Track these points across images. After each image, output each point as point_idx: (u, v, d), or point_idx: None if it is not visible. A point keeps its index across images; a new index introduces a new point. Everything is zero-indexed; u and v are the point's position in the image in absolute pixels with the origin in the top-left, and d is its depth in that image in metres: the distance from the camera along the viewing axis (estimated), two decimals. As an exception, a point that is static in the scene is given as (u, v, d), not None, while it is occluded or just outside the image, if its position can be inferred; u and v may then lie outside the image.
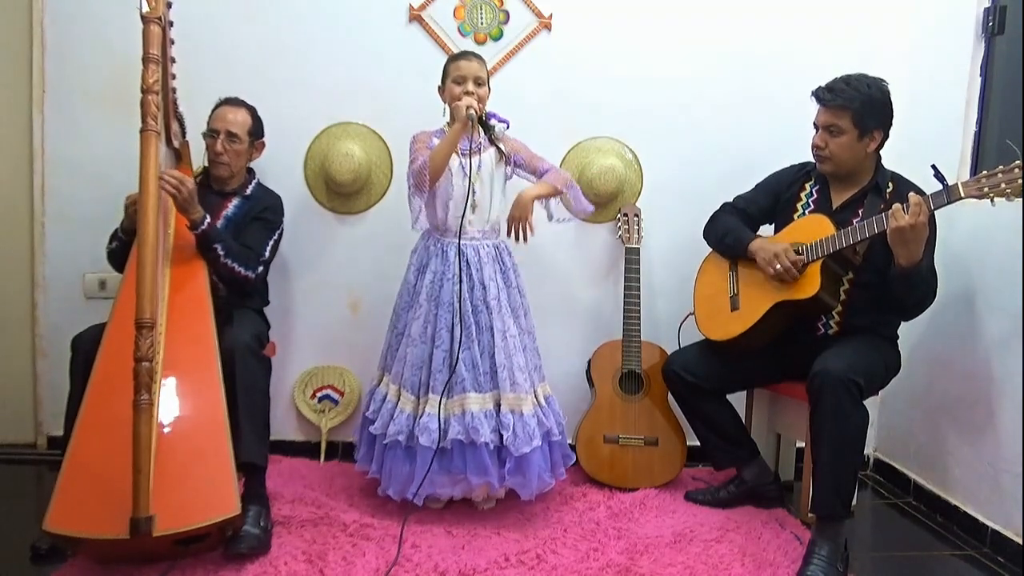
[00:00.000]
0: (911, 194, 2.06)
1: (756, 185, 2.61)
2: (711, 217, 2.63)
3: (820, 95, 2.31)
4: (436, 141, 2.35)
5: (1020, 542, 2.20)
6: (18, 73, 2.76)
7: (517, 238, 2.38)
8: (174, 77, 2.30)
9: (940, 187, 2.07)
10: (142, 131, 1.84)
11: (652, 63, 2.89)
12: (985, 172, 2.02)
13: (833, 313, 2.34)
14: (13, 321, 2.85)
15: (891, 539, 2.45)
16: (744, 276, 2.47)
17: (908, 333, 2.49)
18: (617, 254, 2.92)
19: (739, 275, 2.49)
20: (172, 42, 2.21)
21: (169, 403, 1.98)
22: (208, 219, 2.24)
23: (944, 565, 2.27)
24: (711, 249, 2.62)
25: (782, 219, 2.49)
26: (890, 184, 2.33)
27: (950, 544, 2.37)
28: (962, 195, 2.02)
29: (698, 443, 2.61)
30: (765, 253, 2.35)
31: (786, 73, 2.83)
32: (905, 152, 2.56)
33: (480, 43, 2.85)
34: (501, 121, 2.42)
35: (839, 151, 2.30)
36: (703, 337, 2.53)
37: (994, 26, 2.55)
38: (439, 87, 2.43)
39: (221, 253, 2.26)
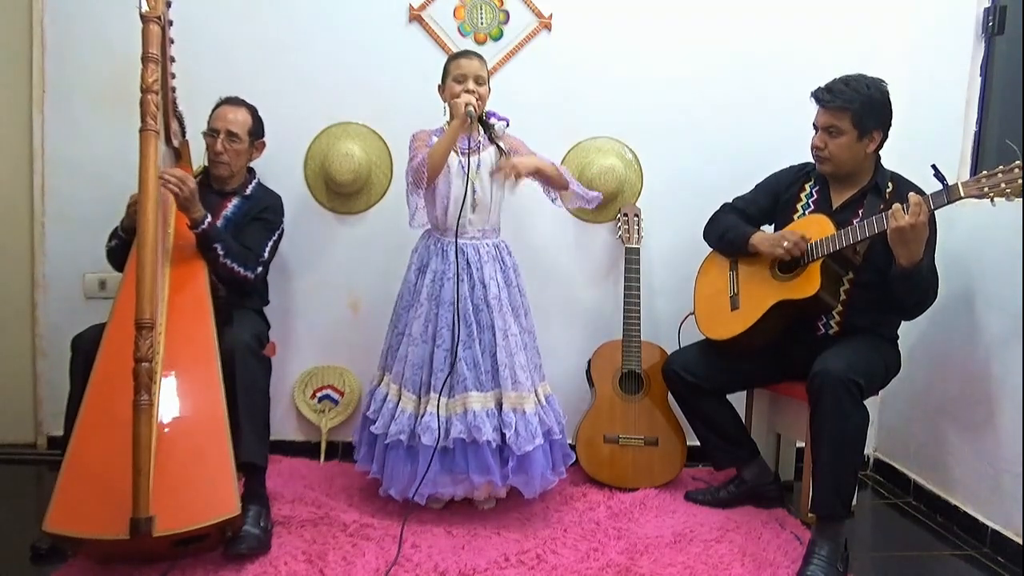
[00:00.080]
0: (911, 194, 2.06)
1: (756, 186, 2.61)
2: (711, 218, 2.63)
3: (819, 96, 2.31)
4: (436, 139, 2.35)
5: (1020, 542, 2.20)
6: (18, 73, 2.76)
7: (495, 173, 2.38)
8: (173, 76, 2.30)
9: (940, 187, 2.07)
10: (141, 131, 1.84)
11: (652, 63, 2.89)
12: (985, 172, 2.02)
13: (833, 313, 2.34)
14: (13, 321, 2.86)
15: (891, 539, 2.45)
16: (744, 276, 2.47)
17: (908, 333, 2.49)
18: (617, 254, 2.92)
19: (739, 275, 2.49)
20: (172, 41, 2.21)
21: (169, 403, 1.98)
22: (209, 218, 2.24)
23: (944, 565, 2.27)
24: (711, 249, 2.62)
25: (782, 219, 2.49)
26: (890, 184, 2.33)
27: (950, 544, 2.37)
28: (962, 195, 2.02)
29: (698, 443, 2.61)
30: (769, 240, 2.36)
31: (786, 73, 2.84)
32: (905, 152, 2.56)
33: (480, 43, 2.85)
34: (501, 119, 2.42)
35: (839, 152, 2.30)
36: (703, 337, 2.53)
37: (994, 26, 2.55)
38: (439, 86, 2.43)
39: (221, 253, 2.26)
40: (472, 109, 2.26)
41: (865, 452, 2.83)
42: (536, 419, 2.33)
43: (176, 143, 2.43)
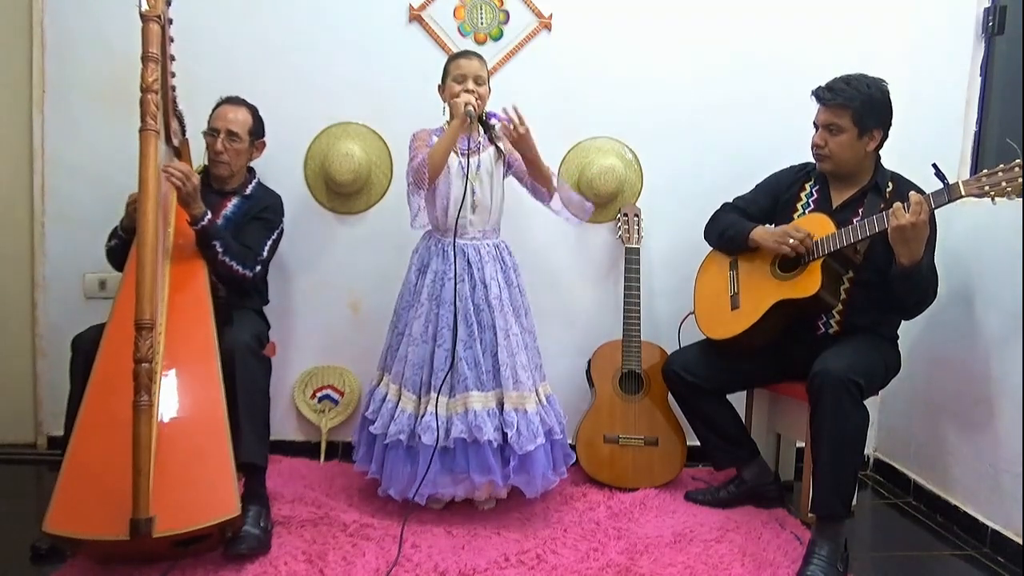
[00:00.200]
0: (912, 193, 2.06)
1: (756, 186, 2.61)
2: (711, 217, 2.63)
3: (820, 94, 2.31)
4: (436, 139, 2.35)
5: (1020, 542, 2.20)
6: (18, 73, 2.76)
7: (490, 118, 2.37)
8: (173, 75, 2.30)
9: (940, 186, 2.07)
10: (141, 130, 1.84)
11: (652, 63, 2.89)
12: (985, 171, 2.02)
13: (833, 312, 2.34)
14: (13, 321, 2.86)
15: (891, 539, 2.45)
16: (744, 275, 2.47)
17: (908, 333, 2.49)
18: (617, 254, 2.92)
19: (739, 274, 2.49)
20: (171, 40, 2.21)
21: (169, 404, 1.98)
22: (209, 215, 2.24)
23: (944, 565, 2.27)
24: (712, 249, 2.62)
25: (782, 219, 2.49)
26: (890, 184, 2.33)
27: (950, 544, 2.37)
28: (963, 194, 2.02)
29: (698, 443, 2.61)
30: (773, 235, 2.36)
31: (786, 73, 2.83)
32: (905, 152, 2.56)
33: (480, 43, 2.85)
34: (501, 120, 2.42)
35: (839, 150, 2.30)
36: (703, 337, 2.53)
37: (994, 26, 2.55)
38: (439, 86, 2.43)
39: (220, 251, 2.26)
40: (472, 109, 2.26)
41: (865, 452, 2.83)
42: (537, 418, 2.33)
43: (176, 142, 2.43)
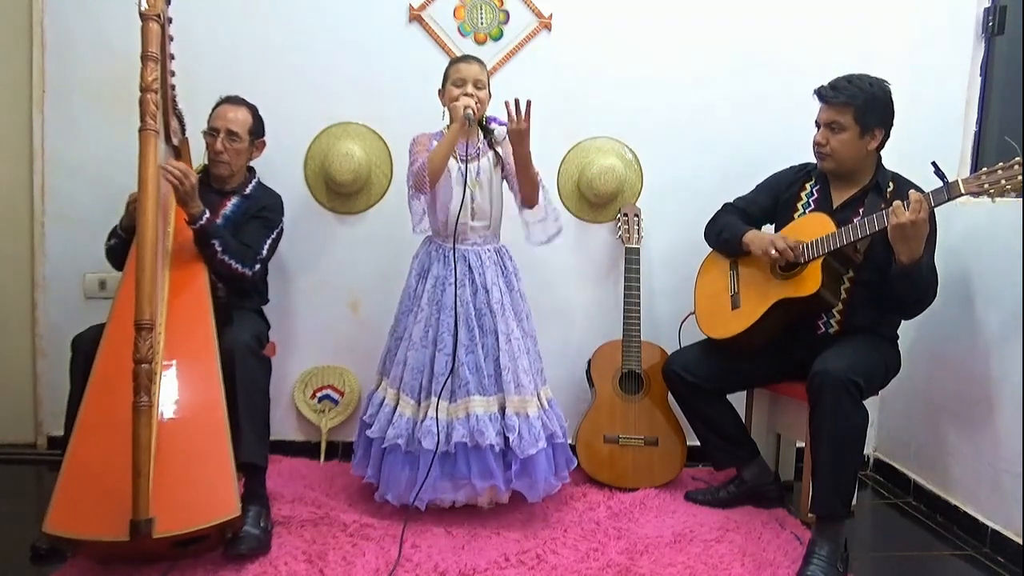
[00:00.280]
0: (911, 191, 2.06)
1: (756, 186, 2.61)
2: (711, 218, 2.63)
3: (823, 92, 2.31)
4: (436, 144, 2.34)
5: (1020, 542, 2.19)
6: (18, 73, 2.76)
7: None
8: (173, 74, 2.30)
9: (940, 184, 2.07)
10: (141, 130, 1.84)
11: (652, 63, 2.89)
12: (985, 169, 2.02)
13: (834, 312, 2.34)
14: (13, 321, 2.85)
15: (891, 539, 2.45)
16: (745, 275, 2.47)
17: (907, 332, 2.49)
18: (617, 254, 2.92)
19: (740, 274, 2.49)
20: (171, 39, 2.21)
21: (168, 404, 1.97)
22: (207, 214, 2.24)
23: (944, 565, 2.27)
24: (712, 249, 2.62)
25: (782, 219, 2.49)
26: (890, 184, 2.33)
27: (950, 544, 2.37)
28: (962, 192, 2.02)
29: (698, 443, 2.61)
30: (761, 241, 2.36)
31: (786, 73, 2.84)
32: (905, 152, 2.56)
33: (480, 43, 2.85)
34: (501, 124, 2.40)
35: (840, 148, 2.30)
36: (703, 337, 2.53)
37: (994, 26, 2.55)
38: (439, 90, 2.42)
39: (219, 249, 2.26)
40: (471, 112, 2.25)
41: (865, 452, 2.84)
42: (539, 423, 2.33)
43: (176, 141, 2.43)
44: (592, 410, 2.72)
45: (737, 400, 2.64)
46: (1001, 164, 1.99)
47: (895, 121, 2.32)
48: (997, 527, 2.29)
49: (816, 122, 2.36)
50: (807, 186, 2.48)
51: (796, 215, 2.45)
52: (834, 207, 2.38)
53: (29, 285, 2.84)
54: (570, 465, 2.45)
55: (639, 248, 2.78)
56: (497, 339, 2.33)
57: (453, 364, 2.28)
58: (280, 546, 2.11)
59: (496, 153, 2.40)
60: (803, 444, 2.50)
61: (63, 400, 2.17)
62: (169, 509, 1.79)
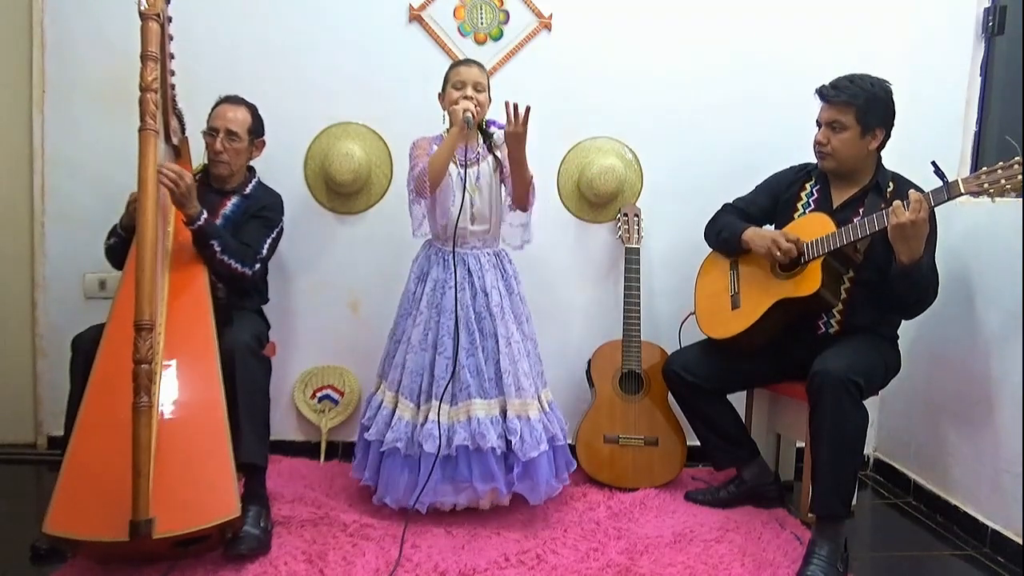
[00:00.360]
0: (911, 191, 2.06)
1: (756, 186, 2.61)
2: (711, 218, 2.63)
3: (824, 92, 2.32)
4: (436, 148, 2.33)
5: (1020, 542, 2.20)
6: (18, 73, 2.76)
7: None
8: (173, 73, 2.30)
9: (940, 184, 2.07)
10: (141, 130, 1.84)
11: (652, 63, 2.89)
12: (985, 168, 2.02)
13: (834, 312, 2.34)
14: (13, 321, 2.85)
15: (891, 539, 2.45)
16: (745, 274, 2.47)
17: (907, 332, 2.49)
18: (617, 254, 2.92)
19: (740, 273, 2.49)
20: (171, 38, 2.21)
21: (168, 405, 1.97)
22: (205, 214, 2.23)
23: (944, 565, 2.27)
24: (712, 249, 2.62)
25: (782, 219, 2.49)
26: (891, 184, 2.33)
27: (950, 544, 2.37)
28: (962, 191, 2.02)
29: (698, 443, 2.61)
30: (761, 240, 2.36)
31: (786, 73, 2.84)
32: (906, 152, 2.56)
33: (480, 43, 2.85)
34: (500, 127, 2.39)
35: (841, 148, 2.30)
36: (703, 337, 2.53)
37: (994, 26, 2.55)
38: (439, 94, 2.42)
39: (218, 250, 2.25)
40: (470, 115, 2.25)
41: (865, 452, 2.84)
42: (540, 425, 2.33)
43: (176, 140, 2.43)
44: (592, 410, 2.72)
45: (737, 400, 2.64)
46: (1001, 164, 1.99)
47: (895, 121, 2.32)
48: (997, 527, 2.29)
49: (817, 121, 2.36)
50: (807, 186, 2.48)
51: (796, 215, 2.45)
52: (834, 207, 2.38)
53: (29, 285, 2.84)
54: (570, 467, 2.45)
55: (639, 248, 2.78)
56: (497, 342, 2.33)
57: (454, 368, 2.28)
58: (280, 546, 2.11)
59: (495, 157, 2.40)
60: (803, 444, 2.50)
61: (63, 400, 2.17)
62: (169, 509, 1.79)
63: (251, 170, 2.57)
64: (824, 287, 2.24)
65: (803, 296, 2.27)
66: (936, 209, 2.12)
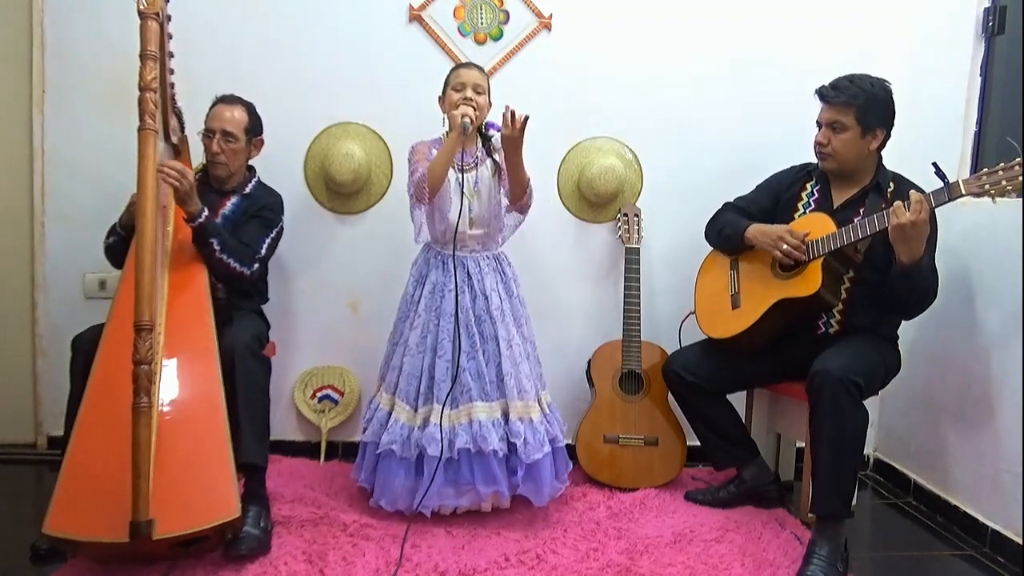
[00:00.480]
0: (912, 191, 2.06)
1: (757, 186, 2.61)
2: (711, 217, 2.63)
3: (824, 92, 2.32)
4: (435, 152, 2.33)
5: (1020, 542, 2.20)
6: (18, 73, 2.76)
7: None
8: (172, 72, 2.30)
9: (941, 185, 2.07)
10: (140, 129, 1.84)
11: (652, 63, 2.89)
12: (986, 169, 2.02)
13: (834, 312, 2.34)
14: (13, 321, 2.85)
15: (891, 539, 2.45)
16: (745, 274, 2.47)
17: (908, 332, 2.49)
18: (617, 254, 2.92)
19: (740, 273, 2.49)
20: (170, 36, 2.20)
21: (168, 405, 1.97)
22: (206, 212, 2.23)
23: (944, 565, 2.27)
24: (712, 248, 2.62)
25: (783, 219, 2.49)
26: (891, 184, 2.33)
27: (950, 544, 2.37)
28: (963, 192, 2.02)
29: (698, 443, 2.61)
30: (766, 236, 2.36)
31: (786, 73, 2.84)
32: (906, 152, 2.56)
33: (480, 43, 2.85)
34: (499, 130, 2.35)
35: (842, 148, 2.30)
36: (703, 337, 2.53)
37: (994, 26, 2.55)
38: (439, 97, 2.42)
39: (217, 248, 2.25)
40: (468, 120, 2.24)
41: (865, 452, 2.83)
42: (543, 427, 2.34)
43: (175, 139, 2.42)
44: (592, 410, 2.72)
45: (737, 400, 2.64)
46: (1002, 165, 1.99)
47: (895, 121, 2.32)
48: (997, 527, 2.29)
49: (817, 122, 2.36)
50: (808, 186, 2.48)
51: (796, 215, 2.45)
52: (834, 207, 2.38)
53: (29, 285, 2.84)
54: (568, 468, 2.46)
55: (639, 248, 2.78)
56: (498, 345, 2.33)
57: (455, 370, 2.28)
58: (280, 546, 2.11)
59: (494, 160, 2.40)
60: (803, 444, 2.50)
61: (63, 400, 2.17)
62: (169, 510, 1.79)
63: (251, 170, 2.57)
64: (824, 287, 2.24)
65: (803, 296, 2.27)
66: (936, 209, 2.12)
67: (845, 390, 2.08)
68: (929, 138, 2.68)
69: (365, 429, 2.39)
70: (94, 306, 2.74)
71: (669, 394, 2.66)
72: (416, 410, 2.31)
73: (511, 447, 2.28)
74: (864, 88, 2.25)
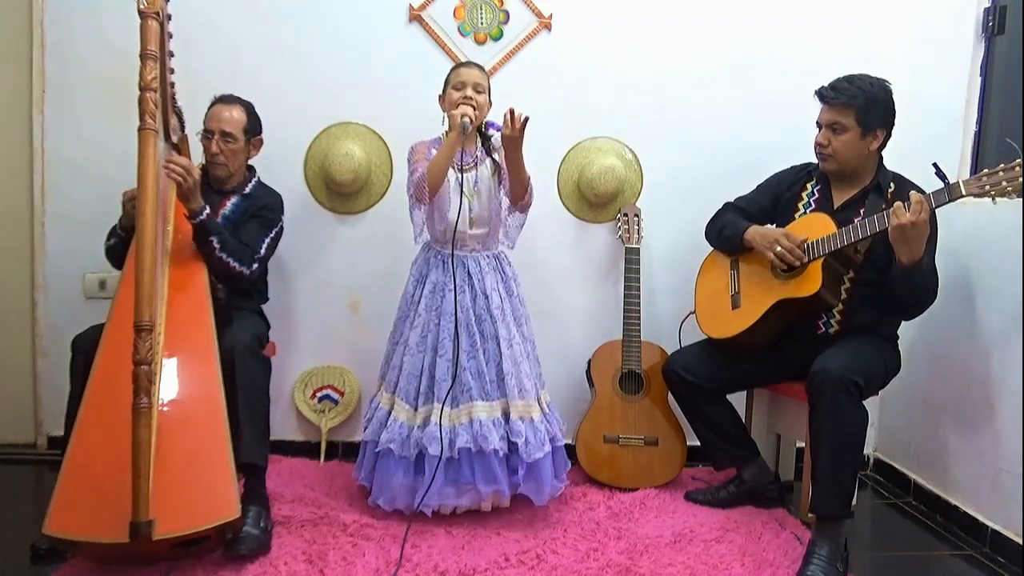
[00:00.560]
0: (912, 192, 2.06)
1: (757, 186, 2.61)
2: (712, 217, 2.63)
3: (824, 93, 2.32)
4: (435, 152, 2.33)
5: (1020, 542, 2.20)
6: (18, 73, 2.75)
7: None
8: (172, 71, 2.29)
9: (941, 185, 2.07)
10: (140, 129, 1.84)
11: (652, 63, 2.89)
12: (986, 170, 2.02)
13: (834, 312, 2.34)
14: (13, 321, 2.85)
15: (891, 539, 2.45)
16: (745, 274, 2.47)
17: (908, 333, 2.49)
18: (617, 254, 2.92)
19: (740, 273, 2.49)
20: (170, 35, 2.20)
21: (168, 405, 1.97)
22: (207, 209, 2.23)
23: (944, 565, 2.27)
24: (713, 248, 2.62)
25: (783, 219, 2.49)
26: (891, 184, 2.33)
27: (950, 544, 2.37)
28: (963, 193, 2.03)
29: (698, 443, 2.61)
30: (764, 239, 2.36)
31: (786, 73, 2.84)
32: (906, 152, 2.56)
33: (480, 43, 2.85)
34: (499, 130, 2.35)
35: (842, 149, 2.30)
36: (703, 337, 2.53)
37: (994, 26, 2.55)
38: (440, 96, 2.42)
39: (216, 247, 2.25)
40: (468, 120, 2.24)
41: (865, 452, 2.84)
42: (543, 427, 2.34)
43: (175, 139, 2.42)
44: (592, 410, 2.72)
45: (737, 400, 2.64)
46: (1002, 165, 1.99)
47: (895, 121, 2.32)
48: (997, 527, 2.30)
49: (817, 123, 2.36)
50: (808, 186, 2.48)
51: (797, 215, 2.45)
52: (835, 207, 2.38)
53: (29, 285, 2.84)
54: (567, 467, 2.46)
55: (639, 248, 2.78)
56: (498, 344, 2.33)
57: (455, 370, 2.28)
58: (280, 546, 2.11)
59: (494, 160, 2.40)
60: (803, 444, 2.50)
61: (63, 400, 2.17)
62: (169, 510, 1.79)
63: (251, 169, 2.57)
64: (824, 288, 2.24)
65: (803, 296, 2.27)
66: (936, 210, 2.12)
67: (845, 390, 2.08)
68: (929, 138, 2.68)
69: (366, 428, 2.39)
70: (94, 306, 2.75)
71: (669, 394, 2.66)
72: (416, 409, 2.31)
73: (511, 446, 2.28)
74: (864, 89, 2.25)
